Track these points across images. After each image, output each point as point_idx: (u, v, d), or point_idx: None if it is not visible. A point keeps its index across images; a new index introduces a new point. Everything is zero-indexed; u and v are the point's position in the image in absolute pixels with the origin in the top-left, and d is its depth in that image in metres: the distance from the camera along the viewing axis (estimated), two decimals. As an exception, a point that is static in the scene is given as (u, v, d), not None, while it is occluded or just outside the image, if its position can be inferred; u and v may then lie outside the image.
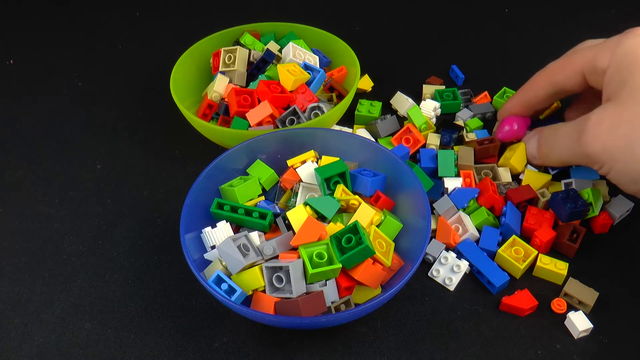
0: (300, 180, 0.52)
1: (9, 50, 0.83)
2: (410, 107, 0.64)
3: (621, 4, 0.84)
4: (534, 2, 0.87)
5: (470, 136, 0.61)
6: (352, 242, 0.44)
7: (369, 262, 0.45)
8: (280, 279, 0.44)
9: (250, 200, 0.52)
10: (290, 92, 0.61)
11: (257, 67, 0.65)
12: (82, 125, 0.69)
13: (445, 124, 0.65)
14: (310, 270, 0.43)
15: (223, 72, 0.64)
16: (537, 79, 0.54)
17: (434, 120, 0.65)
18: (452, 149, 0.61)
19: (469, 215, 0.53)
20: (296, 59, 0.64)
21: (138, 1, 0.92)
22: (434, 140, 0.61)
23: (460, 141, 0.63)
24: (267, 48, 0.65)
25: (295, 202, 0.51)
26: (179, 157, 0.64)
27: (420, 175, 0.55)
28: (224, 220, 0.49)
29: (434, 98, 0.68)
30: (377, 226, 0.49)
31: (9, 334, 0.48)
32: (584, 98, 0.57)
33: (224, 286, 0.43)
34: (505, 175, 0.57)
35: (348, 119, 0.65)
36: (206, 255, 0.48)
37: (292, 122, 0.58)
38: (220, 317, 0.48)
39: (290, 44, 0.65)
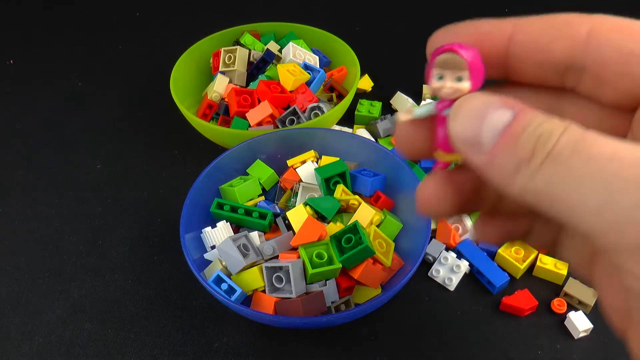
0: (300, 180, 0.52)
1: (9, 50, 0.83)
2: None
3: (622, 5, 0.84)
4: (534, 2, 0.87)
5: (470, 136, 0.61)
6: (352, 242, 0.44)
7: (369, 262, 0.45)
8: (280, 279, 0.44)
9: (250, 200, 0.52)
10: (290, 92, 0.61)
11: (257, 67, 0.65)
12: (82, 125, 0.69)
13: (445, 124, 0.65)
14: (310, 270, 0.43)
15: (223, 72, 0.64)
16: (571, 22, 0.21)
17: (434, 120, 0.65)
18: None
19: (469, 215, 0.53)
20: (296, 59, 0.64)
21: (138, 1, 0.92)
22: (434, 140, 0.61)
23: (460, 141, 0.62)
24: (267, 48, 0.65)
25: (295, 202, 0.51)
26: (179, 157, 0.64)
27: (420, 175, 0.55)
28: (224, 220, 0.49)
29: (434, 98, 0.68)
30: (377, 226, 0.49)
31: (9, 334, 0.48)
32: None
33: (224, 286, 0.43)
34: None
35: (348, 119, 0.65)
36: (206, 255, 0.48)
37: (292, 122, 0.58)
38: (220, 317, 0.48)
39: (290, 44, 0.65)
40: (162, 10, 0.90)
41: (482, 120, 0.19)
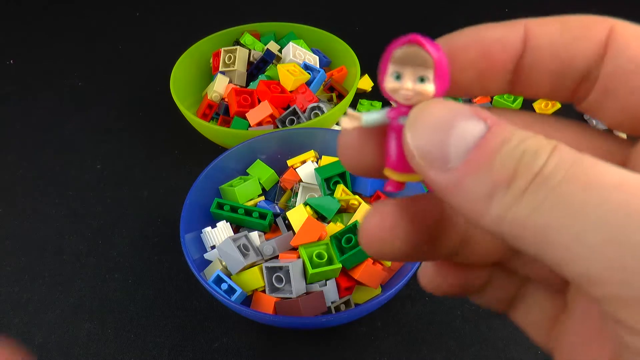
0: (300, 180, 0.52)
1: (9, 50, 0.83)
2: (410, 107, 0.65)
3: (621, 5, 0.84)
4: (534, 2, 0.87)
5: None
6: (352, 242, 0.44)
7: (369, 262, 0.45)
8: (280, 279, 0.44)
9: (250, 200, 0.52)
10: (290, 92, 0.61)
11: (257, 67, 0.65)
12: (82, 125, 0.69)
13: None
14: (310, 270, 0.43)
15: (223, 72, 0.64)
16: (589, 25, 0.18)
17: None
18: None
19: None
20: (296, 59, 0.64)
21: (138, 1, 0.92)
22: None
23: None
24: (267, 48, 0.65)
25: (295, 202, 0.51)
26: (179, 157, 0.64)
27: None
28: (224, 220, 0.49)
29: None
30: (377, 226, 0.49)
31: (9, 334, 0.48)
32: None
33: (224, 286, 0.43)
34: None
35: (348, 119, 0.65)
36: (206, 255, 0.48)
37: (292, 122, 0.58)
38: (220, 317, 0.48)
39: (290, 44, 0.65)
40: (162, 10, 0.90)
41: (449, 131, 0.16)
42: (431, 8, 0.88)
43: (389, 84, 0.17)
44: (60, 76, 0.77)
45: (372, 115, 0.17)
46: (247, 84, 0.65)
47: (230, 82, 0.64)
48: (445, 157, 0.15)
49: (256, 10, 0.88)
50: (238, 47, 0.64)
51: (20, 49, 0.83)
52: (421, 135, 0.16)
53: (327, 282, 0.45)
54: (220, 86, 0.63)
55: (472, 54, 0.17)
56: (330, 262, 0.44)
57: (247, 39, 0.67)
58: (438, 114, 0.16)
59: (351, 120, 0.18)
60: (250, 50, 0.66)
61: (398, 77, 0.17)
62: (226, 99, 0.62)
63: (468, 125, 0.15)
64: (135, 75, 0.77)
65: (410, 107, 0.17)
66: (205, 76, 0.68)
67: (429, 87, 0.16)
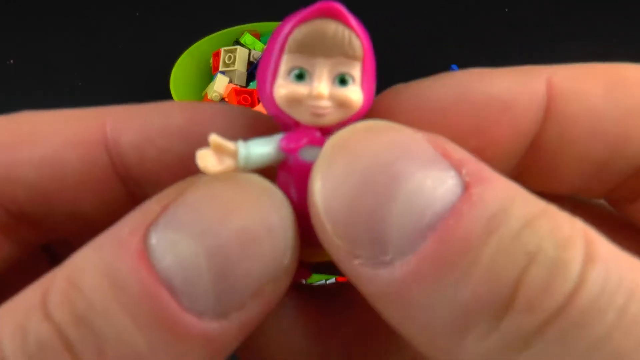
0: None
1: (9, 50, 0.83)
2: (410, 107, 0.65)
3: (621, 5, 0.84)
4: (534, 2, 0.87)
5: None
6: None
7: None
8: (280, 279, 0.44)
9: (251, 200, 0.52)
10: (290, 92, 0.61)
11: (257, 67, 0.65)
12: (82, 125, 0.69)
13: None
14: (311, 270, 0.43)
15: (223, 72, 0.64)
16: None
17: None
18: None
19: None
20: (296, 59, 0.64)
21: (138, 1, 0.92)
22: (433, 140, 0.61)
23: (460, 141, 0.62)
24: (267, 48, 0.65)
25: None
26: (179, 157, 0.64)
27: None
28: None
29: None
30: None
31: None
32: None
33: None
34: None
35: (348, 119, 0.65)
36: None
37: (292, 122, 0.59)
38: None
39: (290, 44, 0.65)
40: (162, 10, 0.90)
41: (391, 189, 0.08)
42: (431, 8, 0.88)
43: (282, 88, 0.10)
44: (60, 76, 0.77)
45: (257, 147, 0.10)
46: (247, 84, 0.65)
47: (230, 82, 0.64)
48: (381, 241, 0.08)
49: (256, 10, 0.88)
50: (238, 47, 0.64)
51: (20, 49, 0.83)
52: (339, 192, 0.08)
53: (327, 281, 0.45)
54: (220, 86, 0.63)
55: (463, 122, 0.10)
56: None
57: (247, 39, 0.67)
58: (375, 152, 0.08)
59: (219, 159, 0.10)
60: (250, 50, 0.66)
61: (301, 76, 0.10)
62: (226, 99, 0.63)
63: (428, 177, 0.08)
64: (135, 75, 0.77)
65: (323, 130, 0.09)
66: (205, 76, 0.68)
67: (355, 94, 0.10)
